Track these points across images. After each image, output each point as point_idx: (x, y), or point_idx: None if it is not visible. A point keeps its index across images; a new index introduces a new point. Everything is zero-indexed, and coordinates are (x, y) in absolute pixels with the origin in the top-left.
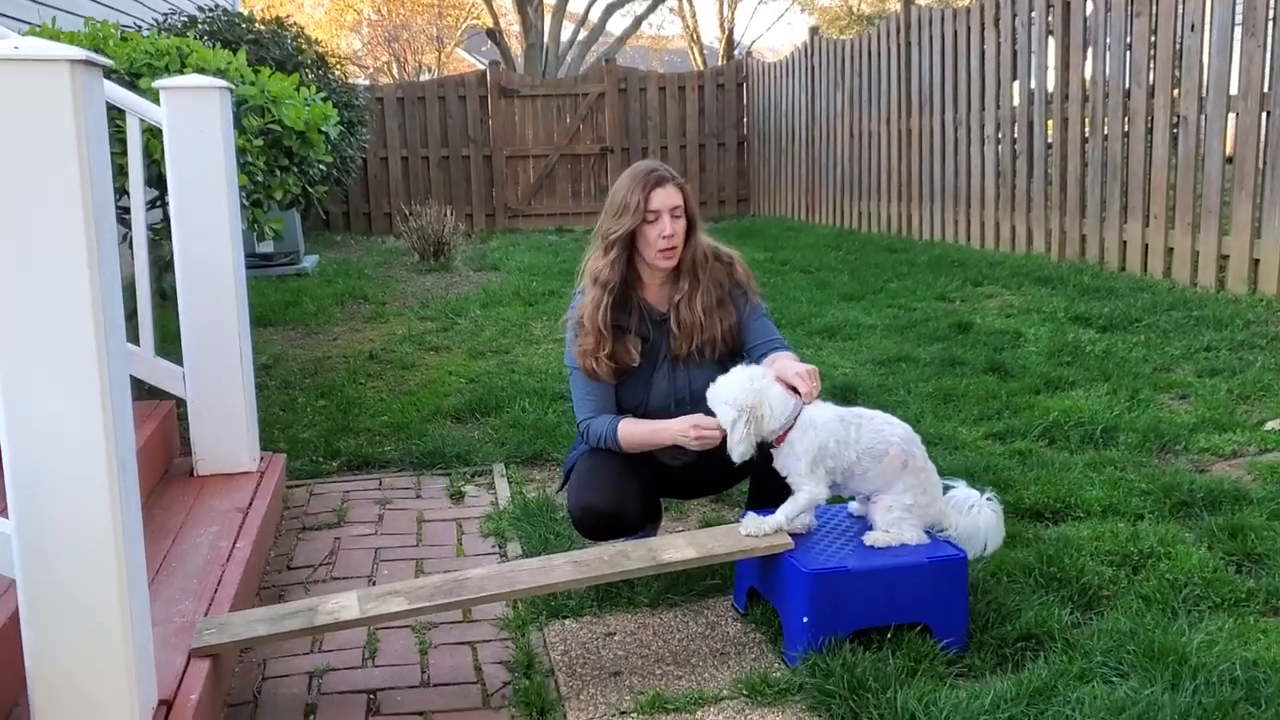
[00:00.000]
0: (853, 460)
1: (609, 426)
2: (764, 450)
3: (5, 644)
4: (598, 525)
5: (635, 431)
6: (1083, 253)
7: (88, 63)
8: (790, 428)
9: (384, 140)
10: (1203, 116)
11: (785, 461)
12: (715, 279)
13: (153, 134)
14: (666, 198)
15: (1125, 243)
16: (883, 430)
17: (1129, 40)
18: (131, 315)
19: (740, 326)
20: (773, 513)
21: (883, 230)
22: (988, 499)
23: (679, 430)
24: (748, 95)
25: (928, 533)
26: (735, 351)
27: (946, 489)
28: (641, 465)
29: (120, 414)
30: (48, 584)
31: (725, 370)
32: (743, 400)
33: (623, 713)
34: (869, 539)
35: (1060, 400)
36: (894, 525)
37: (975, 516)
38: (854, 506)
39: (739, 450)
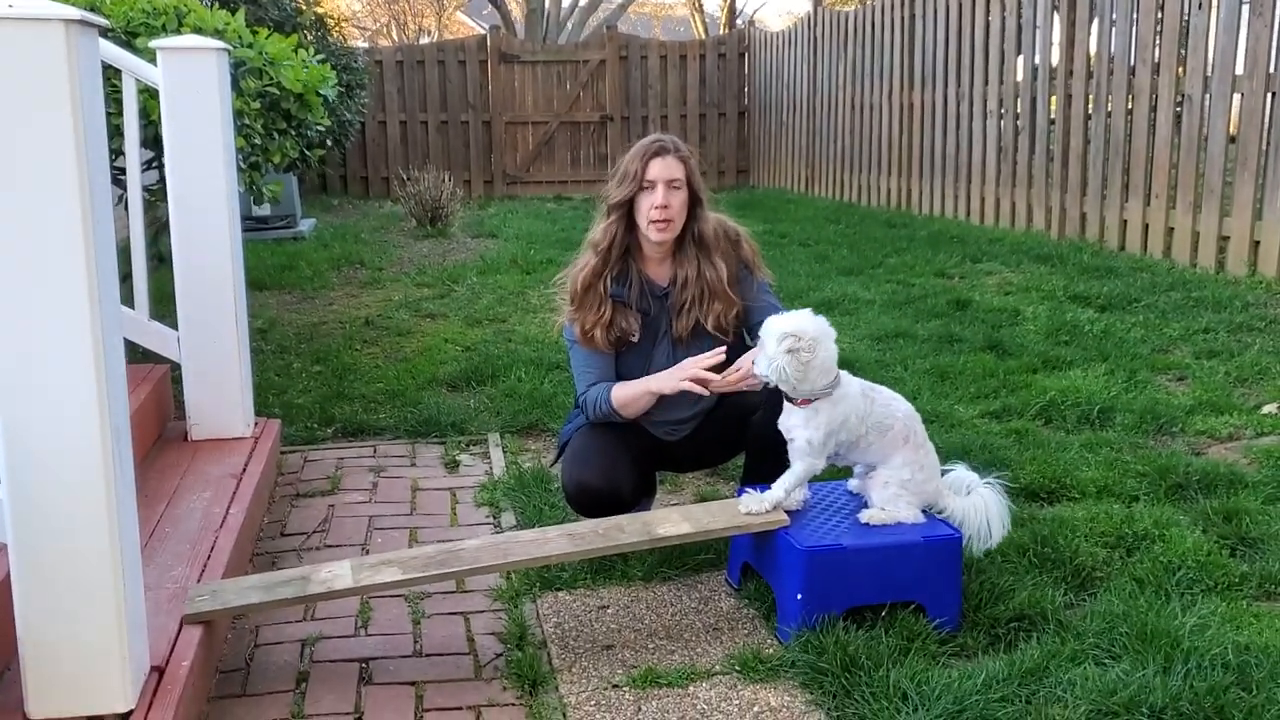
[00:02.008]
0: (862, 433)
1: (603, 392)
2: (760, 424)
3: None
4: (592, 503)
5: (628, 393)
6: (1083, 231)
7: (83, 22)
8: (827, 395)
9: (382, 104)
10: (1207, 96)
11: (800, 427)
12: (722, 257)
13: (149, 95)
14: (664, 169)
15: (1125, 222)
16: (890, 404)
17: (1135, 17)
18: (126, 277)
19: (745, 306)
20: (769, 488)
21: (882, 204)
22: (987, 483)
23: (668, 381)
24: (749, 65)
25: (924, 512)
26: (739, 328)
27: (946, 472)
28: (636, 440)
29: (114, 379)
30: (40, 549)
31: (727, 347)
32: (804, 328)
33: (615, 686)
34: (864, 516)
35: (1058, 380)
36: (890, 502)
37: (972, 498)
38: (853, 484)
39: (772, 366)
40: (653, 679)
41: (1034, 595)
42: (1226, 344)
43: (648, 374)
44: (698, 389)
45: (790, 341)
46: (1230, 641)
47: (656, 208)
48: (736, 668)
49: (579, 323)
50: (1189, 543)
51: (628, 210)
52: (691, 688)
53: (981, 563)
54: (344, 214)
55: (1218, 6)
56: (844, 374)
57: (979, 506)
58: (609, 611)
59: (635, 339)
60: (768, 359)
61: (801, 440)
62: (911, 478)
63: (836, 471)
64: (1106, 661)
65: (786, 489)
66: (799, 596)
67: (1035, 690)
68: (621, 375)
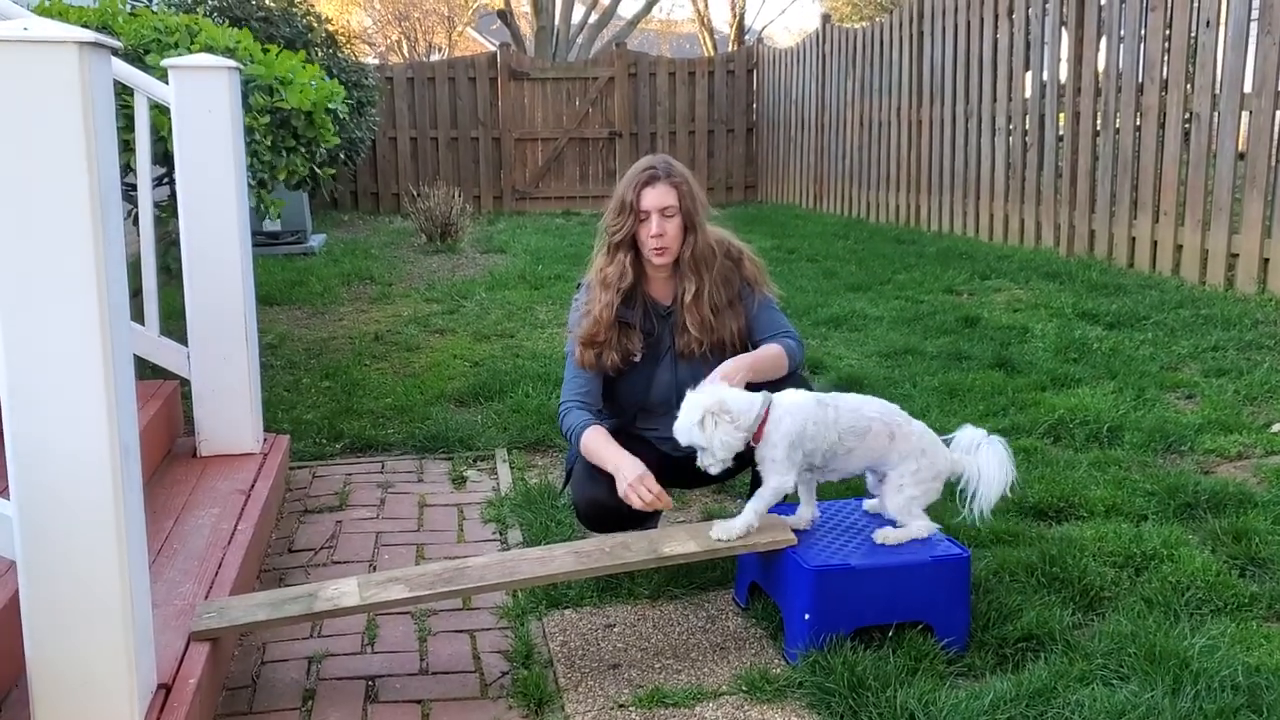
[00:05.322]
0: (834, 440)
1: (580, 426)
2: None
3: (5, 626)
4: (604, 519)
5: (596, 449)
6: (1091, 248)
7: (96, 44)
8: (764, 419)
9: (393, 120)
10: (1216, 113)
11: (762, 451)
12: (723, 277)
13: (160, 110)
14: (657, 198)
15: (1134, 239)
16: (860, 408)
17: (1143, 34)
18: (136, 293)
19: (748, 323)
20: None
21: (891, 220)
22: (991, 438)
23: (625, 475)
24: (758, 81)
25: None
26: (744, 348)
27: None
28: (644, 457)
29: (124, 397)
30: (48, 566)
31: None
32: (703, 403)
33: (621, 706)
34: (879, 536)
35: (1066, 397)
36: (904, 512)
37: (982, 454)
38: (870, 504)
39: (719, 455)
40: (659, 699)
41: (1042, 615)
42: (1235, 362)
43: (650, 391)
44: (632, 500)
45: (712, 424)
46: (1240, 663)
47: (653, 236)
48: (743, 688)
49: (586, 346)
50: (1198, 563)
51: (633, 242)
52: (698, 708)
53: (989, 582)
54: (354, 229)
55: (1226, 25)
56: (781, 394)
57: (990, 461)
58: (615, 630)
59: (638, 359)
60: (713, 442)
61: (766, 460)
62: (919, 466)
63: (845, 490)
64: (1115, 682)
65: (757, 511)
66: (806, 616)
67: (1043, 711)
68: (623, 394)
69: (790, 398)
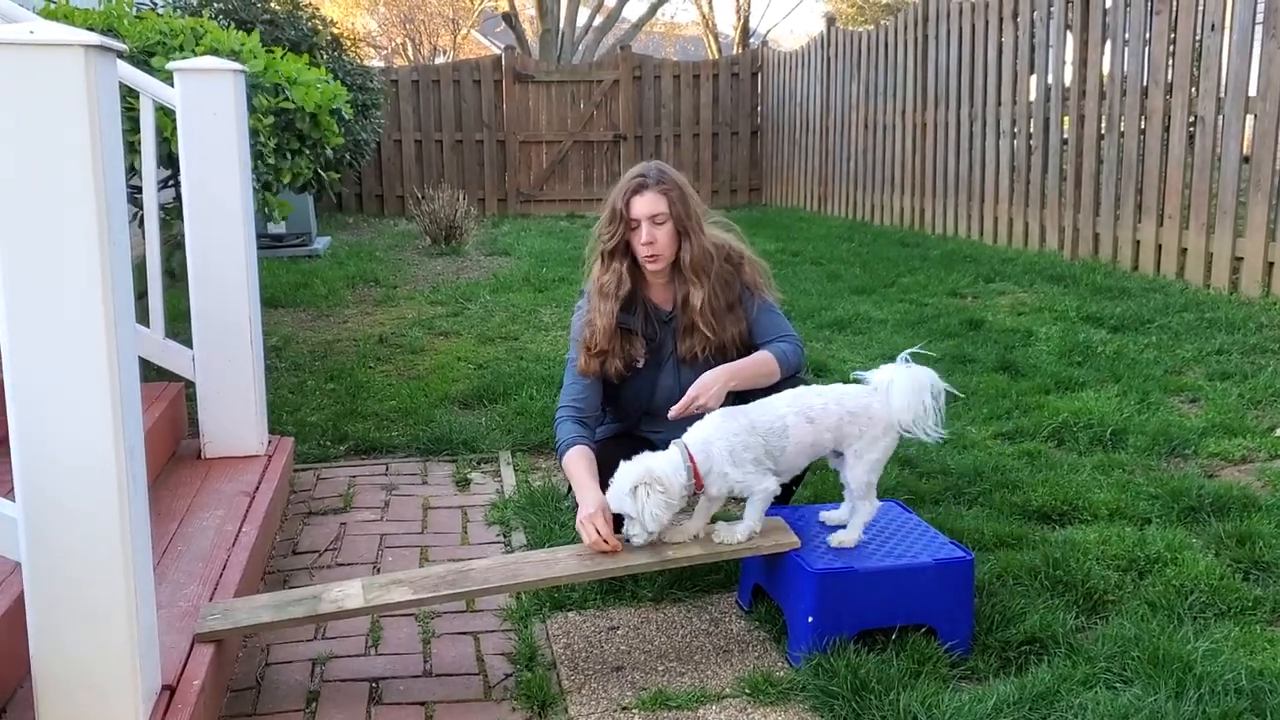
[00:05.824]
0: (762, 445)
1: (566, 444)
2: None
3: (10, 627)
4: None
5: (573, 470)
6: (1096, 251)
7: (102, 48)
8: (694, 464)
9: (398, 123)
10: (1220, 117)
11: (721, 483)
12: (723, 281)
13: (164, 112)
14: (646, 205)
15: (1139, 242)
16: (766, 409)
17: (1148, 37)
18: (141, 295)
19: (749, 327)
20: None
21: (895, 223)
22: (903, 359)
23: (582, 510)
24: (762, 84)
25: (936, 534)
26: (746, 351)
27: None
28: None
29: (129, 399)
30: (53, 567)
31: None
32: (635, 476)
33: (624, 708)
34: (833, 541)
35: (1070, 401)
36: (867, 484)
37: (898, 392)
38: (826, 515)
39: (648, 527)
40: (662, 701)
41: (1045, 618)
42: (1240, 366)
43: (653, 396)
44: (586, 539)
45: (643, 494)
46: (1243, 666)
47: (643, 244)
48: (747, 690)
49: (590, 356)
50: (1201, 566)
51: (627, 247)
52: (701, 710)
53: (993, 585)
54: (359, 232)
55: (1230, 28)
56: (688, 433)
57: (907, 397)
58: (619, 633)
59: (640, 365)
60: (645, 512)
61: (734, 484)
62: (859, 430)
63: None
64: (1118, 686)
65: (756, 515)
66: (810, 619)
67: (1046, 714)
68: (626, 399)
69: (700, 431)
